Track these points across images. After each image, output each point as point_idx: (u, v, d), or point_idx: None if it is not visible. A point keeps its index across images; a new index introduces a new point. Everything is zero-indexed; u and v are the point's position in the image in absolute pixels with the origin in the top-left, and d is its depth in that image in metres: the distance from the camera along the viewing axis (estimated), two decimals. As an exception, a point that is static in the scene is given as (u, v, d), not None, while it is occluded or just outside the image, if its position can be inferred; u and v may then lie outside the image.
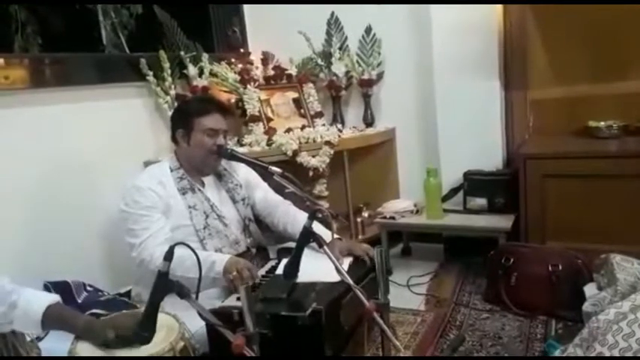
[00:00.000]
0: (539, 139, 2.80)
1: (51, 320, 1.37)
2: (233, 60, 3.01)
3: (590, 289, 2.05)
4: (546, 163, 2.44)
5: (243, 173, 2.22)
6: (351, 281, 1.48)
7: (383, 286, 1.54)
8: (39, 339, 1.60)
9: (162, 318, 1.38)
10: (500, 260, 2.29)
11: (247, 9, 3.34)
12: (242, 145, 2.75)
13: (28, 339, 1.48)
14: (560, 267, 2.16)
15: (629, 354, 1.54)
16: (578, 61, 2.73)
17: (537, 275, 2.18)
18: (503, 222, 2.57)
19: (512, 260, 2.26)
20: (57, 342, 1.48)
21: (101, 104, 2.47)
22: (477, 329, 2.13)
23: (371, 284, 1.77)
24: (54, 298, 1.42)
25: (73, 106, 2.35)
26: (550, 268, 2.17)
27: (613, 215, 2.31)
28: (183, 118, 2.02)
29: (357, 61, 3.10)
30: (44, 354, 1.54)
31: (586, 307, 1.92)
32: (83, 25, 2.71)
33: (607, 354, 1.57)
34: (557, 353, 1.71)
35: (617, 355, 1.55)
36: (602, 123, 2.59)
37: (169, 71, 2.68)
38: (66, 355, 1.34)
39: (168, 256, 1.20)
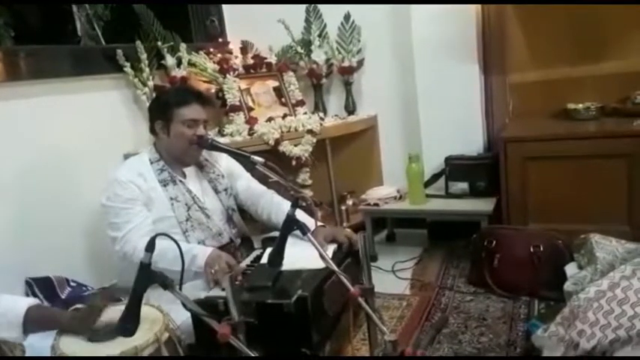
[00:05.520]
0: (519, 123, 2.82)
1: (32, 322, 1.36)
2: (212, 50, 2.98)
3: (570, 269, 2.08)
4: (526, 145, 2.46)
5: (225, 163, 2.20)
6: (335, 267, 1.49)
7: (367, 270, 1.55)
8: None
9: (146, 310, 1.37)
10: (483, 243, 2.32)
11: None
12: (223, 135, 2.72)
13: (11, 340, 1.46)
14: (542, 248, 2.19)
15: (609, 331, 1.57)
16: (555, 44, 2.76)
17: (519, 257, 2.22)
18: (485, 205, 2.60)
19: (494, 243, 2.29)
20: (41, 338, 1.46)
21: (78, 97, 2.42)
22: (461, 311, 2.16)
23: (352, 269, 1.78)
24: (32, 300, 1.41)
25: (49, 99, 2.30)
26: (532, 249, 2.20)
27: (592, 195, 2.35)
28: (162, 109, 1.99)
29: (337, 49, 3.08)
30: (28, 351, 1.53)
31: (567, 286, 1.95)
32: (57, 16, 2.66)
33: (588, 331, 1.60)
34: (539, 332, 1.74)
35: (598, 332, 1.59)
36: (581, 105, 2.62)
37: (147, 62, 2.64)
38: (49, 349, 1.33)
39: (150, 247, 1.19)
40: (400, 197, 2.90)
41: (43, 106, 2.27)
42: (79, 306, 1.51)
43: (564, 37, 2.73)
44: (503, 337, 1.93)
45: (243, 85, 2.89)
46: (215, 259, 1.76)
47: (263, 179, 2.20)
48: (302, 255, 1.70)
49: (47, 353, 1.35)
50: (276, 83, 3.01)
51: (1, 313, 1.34)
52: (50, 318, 1.39)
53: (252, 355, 1.21)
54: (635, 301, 1.59)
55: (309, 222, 1.79)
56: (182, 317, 1.54)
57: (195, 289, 1.76)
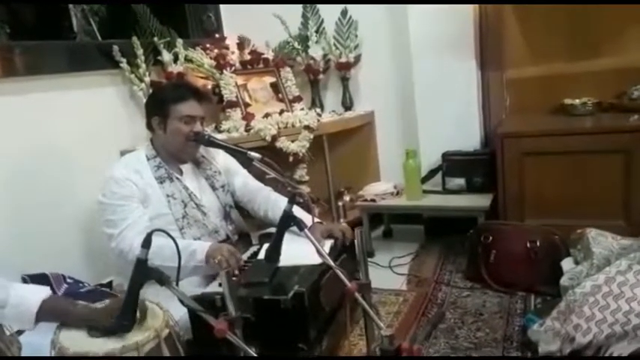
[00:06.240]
0: (516, 118, 2.83)
1: (46, 314, 1.36)
2: (208, 45, 2.96)
3: (567, 264, 2.09)
4: (523, 141, 2.46)
5: (222, 160, 2.20)
6: (332, 263, 1.49)
7: (364, 266, 1.55)
8: (19, 333, 1.58)
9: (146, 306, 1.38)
10: (480, 238, 2.32)
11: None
12: (220, 132, 2.72)
13: (7, 333, 1.46)
14: (538, 243, 2.20)
15: (605, 326, 1.58)
16: (552, 40, 2.76)
17: (516, 252, 2.22)
18: (481, 201, 2.61)
19: (491, 238, 2.30)
20: (39, 335, 1.46)
21: (74, 93, 2.41)
22: (458, 306, 2.17)
23: (348, 264, 1.78)
24: (46, 292, 1.40)
25: (45, 96, 2.29)
26: (528, 244, 2.21)
27: (589, 191, 2.36)
28: (159, 105, 1.98)
29: (334, 44, 3.08)
30: (25, 348, 1.52)
31: (563, 281, 1.96)
32: (52, 12, 2.64)
33: (584, 326, 1.61)
34: (535, 327, 1.75)
35: (594, 326, 1.60)
36: (577, 100, 2.63)
37: (143, 58, 2.62)
38: (46, 346, 1.32)
39: (146, 243, 1.19)
40: (397, 193, 2.90)
41: (39, 103, 2.26)
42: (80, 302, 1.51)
43: (561, 32, 2.73)
44: (499, 332, 1.94)
45: (240, 80, 2.89)
46: (216, 249, 1.76)
47: (260, 176, 2.20)
48: (299, 251, 1.70)
49: (45, 351, 1.35)
50: (273, 79, 3.01)
51: (12, 305, 1.33)
52: (64, 311, 1.39)
53: (249, 351, 1.22)
54: (630, 296, 1.60)
55: (306, 218, 1.80)
56: (179, 313, 1.54)
57: (192, 285, 1.77)
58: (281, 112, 2.85)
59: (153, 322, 1.36)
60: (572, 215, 2.36)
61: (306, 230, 1.53)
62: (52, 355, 1.32)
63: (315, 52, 3.08)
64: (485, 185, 2.69)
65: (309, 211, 1.94)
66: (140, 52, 2.62)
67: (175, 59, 2.79)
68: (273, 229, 1.80)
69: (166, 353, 1.33)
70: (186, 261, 1.72)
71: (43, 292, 1.40)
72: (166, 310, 1.44)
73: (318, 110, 3.03)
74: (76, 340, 1.32)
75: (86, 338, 1.33)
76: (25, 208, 2.18)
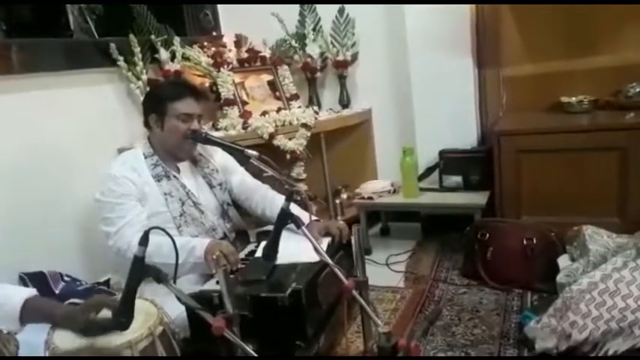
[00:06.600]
0: (513, 116, 2.84)
1: (29, 314, 1.35)
2: (205, 43, 2.97)
3: (563, 261, 2.10)
4: (520, 139, 2.48)
5: (220, 158, 2.19)
6: (329, 260, 1.49)
7: (361, 263, 1.55)
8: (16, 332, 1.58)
9: (140, 304, 1.37)
10: (476, 236, 2.33)
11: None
12: (217, 130, 2.72)
13: (5, 331, 1.46)
14: (535, 240, 2.21)
15: (601, 322, 1.60)
16: (549, 38, 2.77)
17: (512, 249, 2.23)
18: (478, 198, 2.62)
19: (487, 235, 2.30)
20: (35, 334, 1.46)
21: (71, 91, 2.41)
22: (455, 304, 2.17)
23: (345, 262, 1.78)
24: (30, 291, 1.40)
25: (42, 94, 2.28)
26: (525, 241, 2.21)
27: (585, 188, 2.37)
28: (156, 103, 1.97)
29: (332, 42, 3.08)
30: (22, 346, 1.52)
31: (560, 278, 1.97)
32: (49, 10, 2.63)
33: (580, 323, 1.62)
34: (532, 324, 1.76)
35: (590, 323, 1.61)
36: (574, 98, 2.64)
37: (140, 56, 2.62)
38: (42, 345, 1.32)
39: (143, 240, 1.19)
40: (394, 191, 2.91)
41: (35, 101, 2.26)
42: (75, 301, 1.51)
43: (558, 30, 2.74)
44: (496, 329, 1.94)
45: (238, 78, 2.89)
46: (215, 246, 1.76)
47: (257, 173, 2.20)
48: (296, 248, 1.70)
49: (42, 349, 1.35)
50: (270, 77, 3.01)
51: None
52: (45, 313, 1.39)
53: (247, 348, 1.22)
54: (626, 293, 1.61)
55: (304, 216, 1.79)
56: (176, 311, 1.54)
57: (189, 283, 1.77)
58: (278, 110, 2.85)
59: (146, 320, 1.36)
60: (568, 213, 2.37)
61: (303, 228, 1.54)
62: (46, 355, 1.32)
63: (313, 50, 3.08)
64: (481, 183, 2.70)
65: (306, 208, 1.94)
66: (137, 49, 2.62)
67: (172, 57, 2.79)
68: (270, 227, 1.80)
69: (161, 351, 1.33)
70: (185, 257, 1.72)
71: (26, 292, 1.40)
72: (160, 307, 1.44)
73: (316, 108, 3.04)
74: (69, 339, 1.31)
75: (80, 338, 1.32)
76: (21, 206, 2.18)
